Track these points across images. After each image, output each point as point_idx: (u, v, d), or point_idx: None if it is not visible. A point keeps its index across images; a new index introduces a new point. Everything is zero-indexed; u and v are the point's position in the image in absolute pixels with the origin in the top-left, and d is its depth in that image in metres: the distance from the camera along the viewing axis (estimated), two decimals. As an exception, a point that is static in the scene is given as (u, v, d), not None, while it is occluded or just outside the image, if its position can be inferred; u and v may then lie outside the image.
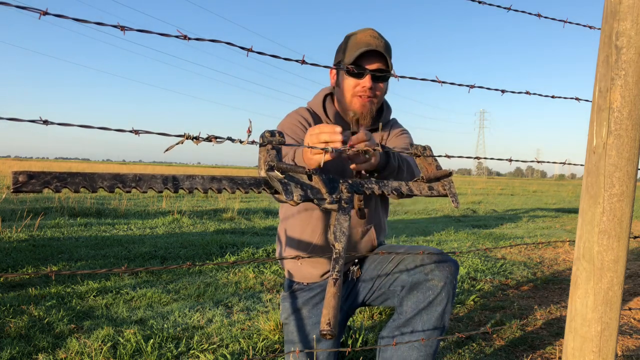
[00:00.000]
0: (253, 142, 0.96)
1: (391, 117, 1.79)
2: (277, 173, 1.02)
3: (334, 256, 1.04)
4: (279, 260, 1.91)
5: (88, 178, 0.82)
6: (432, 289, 1.47)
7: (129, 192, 0.85)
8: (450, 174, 1.35)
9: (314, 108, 1.69)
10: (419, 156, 1.38)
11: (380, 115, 1.71)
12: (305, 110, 1.68)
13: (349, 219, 1.11)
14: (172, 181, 0.89)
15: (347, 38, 1.60)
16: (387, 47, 1.57)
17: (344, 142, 1.18)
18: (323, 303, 1.66)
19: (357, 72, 1.52)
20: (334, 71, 1.66)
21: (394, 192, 1.25)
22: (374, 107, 1.60)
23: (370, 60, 1.54)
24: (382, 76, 1.55)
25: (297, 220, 1.67)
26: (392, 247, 1.70)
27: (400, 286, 1.55)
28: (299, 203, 1.02)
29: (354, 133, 1.64)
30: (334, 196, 1.09)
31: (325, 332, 0.93)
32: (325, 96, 1.69)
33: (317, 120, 1.67)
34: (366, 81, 1.53)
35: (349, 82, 1.56)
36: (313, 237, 1.64)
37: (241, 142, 0.92)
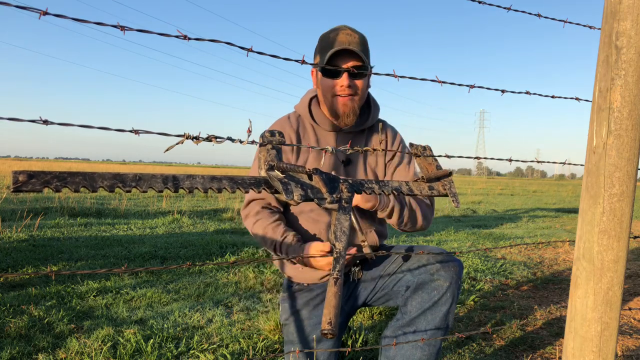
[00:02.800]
0: (253, 142, 0.97)
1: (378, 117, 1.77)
2: (277, 172, 1.02)
3: (335, 256, 1.04)
4: (275, 262, 1.91)
5: (88, 177, 0.82)
6: (438, 289, 1.47)
7: (129, 191, 0.85)
8: (450, 173, 1.35)
9: (300, 111, 1.68)
10: (419, 156, 1.38)
11: (366, 114, 1.69)
12: (286, 120, 1.67)
13: (350, 218, 1.11)
14: (172, 181, 0.89)
15: (321, 38, 1.58)
16: (362, 43, 1.53)
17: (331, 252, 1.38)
18: (324, 304, 1.66)
19: (332, 72, 1.52)
20: (315, 73, 1.65)
21: (394, 192, 1.25)
22: (356, 105, 1.58)
23: (345, 58, 1.52)
24: (359, 73, 1.52)
25: (296, 221, 1.66)
26: (394, 248, 1.70)
27: (405, 286, 1.55)
28: (299, 202, 1.02)
29: (341, 132, 1.65)
30: (334, 196, 1.09)
31: (326, 332, 0.93)
32: (311, 99, 1.68)
33: (303, 125, 1.67)
34: (343, 80, 1.52)
35: (328, 83, 1.56)
36: (313, 237, 1.64)
37: (241, 142, 0.93)
